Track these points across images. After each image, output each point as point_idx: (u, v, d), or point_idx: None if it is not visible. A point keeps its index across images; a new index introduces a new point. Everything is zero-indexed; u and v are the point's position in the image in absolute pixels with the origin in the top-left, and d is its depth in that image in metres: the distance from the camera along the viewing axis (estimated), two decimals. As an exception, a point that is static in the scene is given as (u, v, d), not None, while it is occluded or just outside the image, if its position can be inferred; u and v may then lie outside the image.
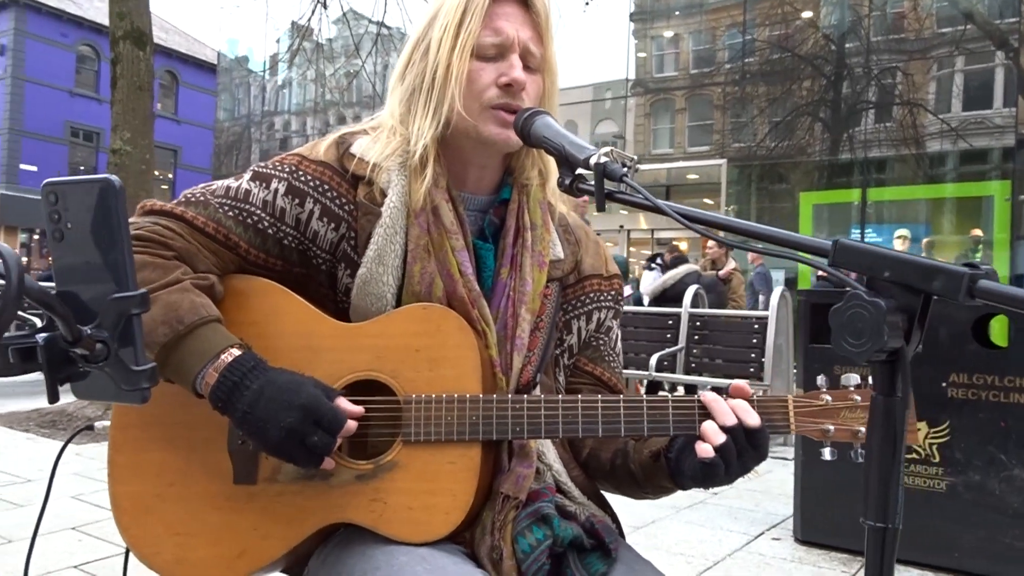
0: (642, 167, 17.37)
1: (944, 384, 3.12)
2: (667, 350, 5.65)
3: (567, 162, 1.03)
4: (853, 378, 1.03)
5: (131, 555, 1.13)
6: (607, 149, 1.00)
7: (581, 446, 1.28)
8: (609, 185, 0.97)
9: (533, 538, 1.08)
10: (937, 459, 3.13)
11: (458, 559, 1.05)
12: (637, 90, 18.01)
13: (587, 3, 10.76)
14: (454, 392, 1.07)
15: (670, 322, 5.90)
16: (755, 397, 1.06)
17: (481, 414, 1.06)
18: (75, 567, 2.86)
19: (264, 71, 24.05)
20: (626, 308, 6.35)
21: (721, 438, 1.01)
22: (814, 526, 3.38)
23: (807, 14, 15.60)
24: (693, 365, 5.64)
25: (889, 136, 14.38)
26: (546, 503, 1.13)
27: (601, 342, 1.31)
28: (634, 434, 1.07)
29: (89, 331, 0.63)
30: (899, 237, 11.73)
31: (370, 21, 10.95)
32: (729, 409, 1.03)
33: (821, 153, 14.95)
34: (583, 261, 1.29)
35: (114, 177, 0.67)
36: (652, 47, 18.01)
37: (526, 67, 1.15)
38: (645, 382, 5.94)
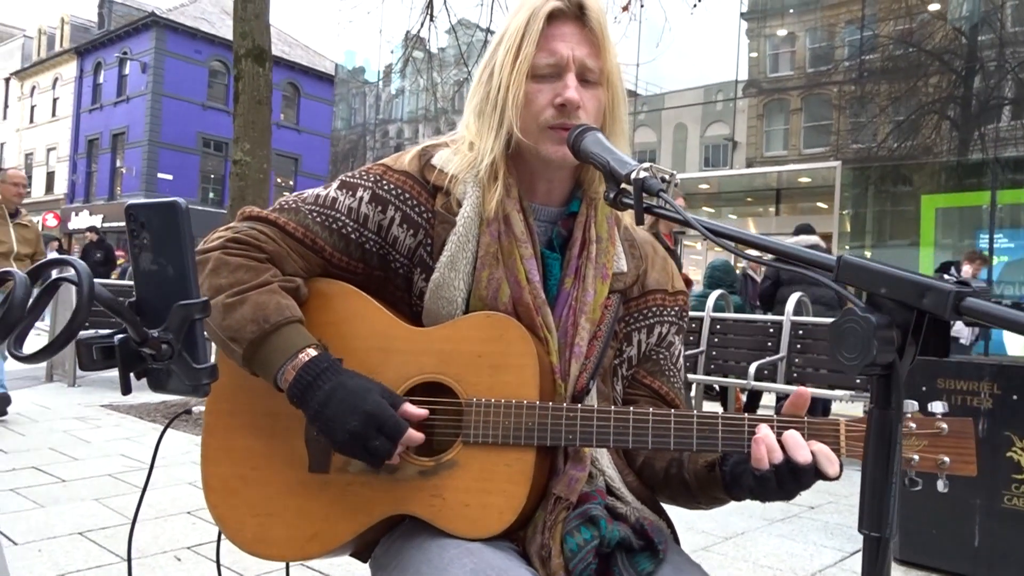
0: (751, 171, 16.92)
1: (1059, 401, 2.93)
2: (767, 359, 5.51)
3: (612, 177, 1.07)
4: (937, 405, 1.01)
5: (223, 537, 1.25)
6: (647, 165, 1.04)
7: (636, 455, 1.30)
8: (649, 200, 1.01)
9: (581, 538, 1.12)
10: (1051, 481, 2.94)
11: (505, 555, 1.09)
12: (750, 91, 17.52)
13: (695, 4, 10.59)
14: (513, 398, 1.13)
15: (771, 330, 5.75)
16: (807, 419, 1.06)
17: (537, 420, 1.11)
18: (188, 548, 3.10)
19: (378, 81, 24.93)
20: (725, 316, 6.23)
21: (765, 468, 1.03)
22: (915, 546, 3.24)
23: (934, 6, 14.75)
24: (795, 375, 5.47)
25: (1028, 134, 13.42)
26: (594, 505, 1.17)
27: (662, 356, 1.34)
28: (683, 448, 1.10)
29: (156, 333, 0.73)
30: (1033, 243, 10.94)
31: (478, 28, 11.19)
32: (777, 446, 1.03)
33: (948, 153, 14.11)
34: (648, 275, 1.32)
35: (181, 200, 0.77)
36: (766, 46, 17.48)
37: (585, 82, 1.19)
38: (745, 391, 5.82)
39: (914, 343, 0.67)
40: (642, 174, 1.01)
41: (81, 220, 31.34)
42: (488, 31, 10.36)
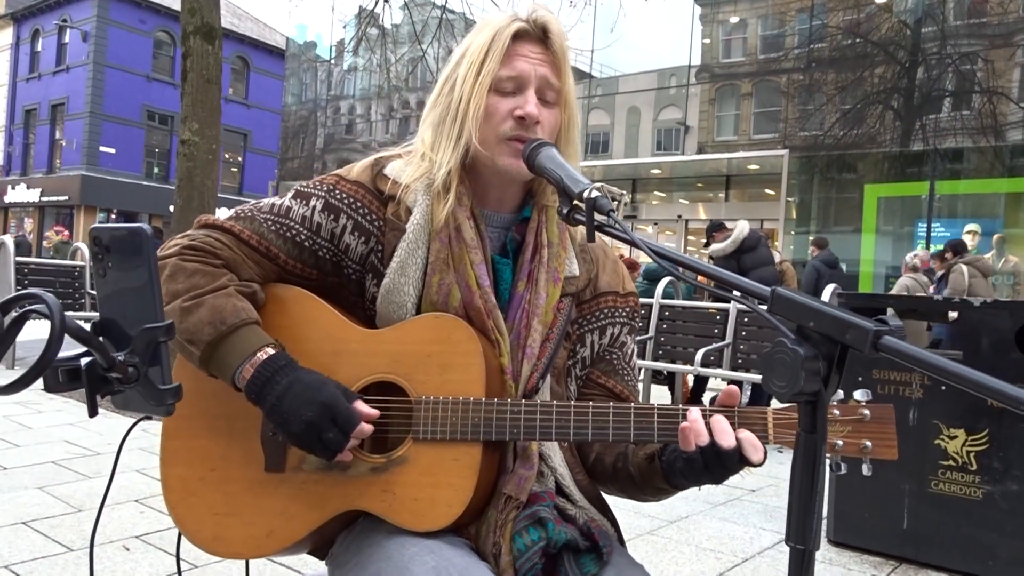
0: (702, 157, 17.18)
1: (984, 392, 3.09)
2: (714, 345, 5.66)
3: (565, 193, 1.12)
4: (860, 393, 1.07)
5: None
6: (599, 184, 1.09)
7: (588, 451, 1.36)
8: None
9: (528, 539, 1.17)
10: (974, 467, 3.11)
11: (464, 552, 1.15)
12: (702, 76, 17.74)
13: (650, -10, 10.65)
14: (461, 395, 1.17)
15: (718, 317, 5.90)
16: (737, 408, 1.12)
17: (483, 416, 1.16)
18: (136, 537, 3.09)
19: (331, 57, 24.53)
20: (674, 302, 6.36)
21: (691, 450, 1.09)
22: (847, 529, 3.40)
23: (881, -1, 15.13)
24: (740, 361, 5.63)
25: (966, 126, 13.86)
26: (543, 506, 1.22)
27: (615, 356, 1.39)
28: (621, 439, 1.16)
29: (122, 357, 0.75)
30: (968, 232, 11.36)
31: (434, 5, 11.12)
32: (705, 431, 1.08)
33: (891, 143, 14.51)
34: (599, 278, 1.38)
35: (146, 225, 0.79)
36: (718, 32, 17.71)
37: (544, 101, 1.25)
38: (692, 377, 5.96)
39: (838, 373, 0.73)
40: (594, 193, 1.06)
41: (19, 193, 30.28)
42: (444, 8, 10.31)
